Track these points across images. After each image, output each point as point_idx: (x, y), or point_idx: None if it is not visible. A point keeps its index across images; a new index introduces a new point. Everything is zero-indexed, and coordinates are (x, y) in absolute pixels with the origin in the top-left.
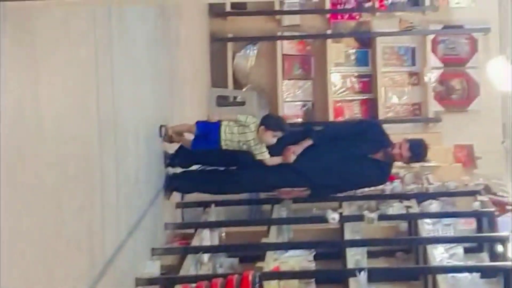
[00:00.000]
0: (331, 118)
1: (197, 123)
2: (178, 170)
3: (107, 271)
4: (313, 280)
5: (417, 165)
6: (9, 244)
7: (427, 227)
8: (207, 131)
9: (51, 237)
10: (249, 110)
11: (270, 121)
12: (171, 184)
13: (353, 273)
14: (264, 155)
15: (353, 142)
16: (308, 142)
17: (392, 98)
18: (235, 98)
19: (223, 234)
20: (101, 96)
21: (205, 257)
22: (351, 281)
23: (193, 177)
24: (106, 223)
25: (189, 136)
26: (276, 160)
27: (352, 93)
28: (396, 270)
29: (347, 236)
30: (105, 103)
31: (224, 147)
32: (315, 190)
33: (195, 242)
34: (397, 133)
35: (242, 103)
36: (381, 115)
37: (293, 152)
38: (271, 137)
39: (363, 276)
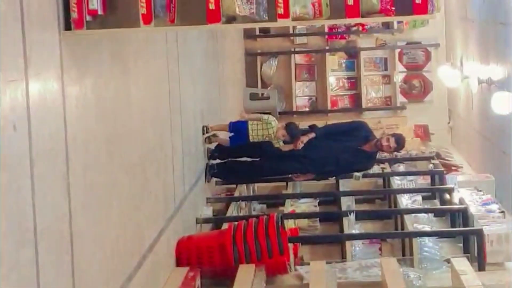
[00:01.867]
0: (328, 107)
1: (230, 123)
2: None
3: (176, 215)
4: (317, 219)
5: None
6: (111, 195)
7: (396, 182)
8: (238, 128)
9: (138, 190)
10: (272, 102)
11: (289, 127)
12: (211, 172)
13: (345, 214)
14: (279, 143)
15: (346, 137)
16: (312, 135)
17: (371, 93)
18: (262, 94)
19: (255, 188)
20: (172, 93)
21: (243, 204)
22: (344, 220)
23: (227, 168)
24: (176, 180)
25: (224, 136)
26: (289, 146)
27: (343, 90)
28: (375, 211)
29: (342, 188)
30: (174, 97)
31: (251, 140)
32: (317, 175)
33: (236, 194)
34: (375, 117)
35: (267, 98)
36: (364, 105)
37: (301, 141)
38: (281, 136)
39: (352, 216)
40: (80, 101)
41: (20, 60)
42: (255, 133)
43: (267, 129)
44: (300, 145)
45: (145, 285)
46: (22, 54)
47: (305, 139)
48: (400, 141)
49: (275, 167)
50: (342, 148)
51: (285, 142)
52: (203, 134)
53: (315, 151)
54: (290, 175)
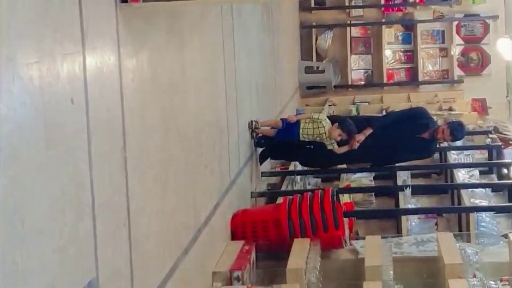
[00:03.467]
0: (384, 80)
1: (282, 119)
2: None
3: (232, 188)
4: (373, 193)
5: (445, 113)
6: (167, 169)
7: (453, 157)
8: (290, 125)
9: (194, 165)
10: (327, 76)
11: (345, 124)
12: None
13: (401, 188)
14: (333, 145)
15: (404, 125)
16: (369, 131)
17: (428, 66)
18: (317, 67)
19: None
20: (227, 66)
21: (298, 178)
22: (400, 194)
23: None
24: (231, 155)
25: (271, 130)
26: (344, 148)
27: (399, 63)
28: (431, 186)
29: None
30: (229, 71)
31: (301, 139)
32: (374, 164)
33: (291, 168)
34: (432, 91)
35: (323, 71)
36: (420, 78)
37: (358, 141)
38: (337, 136)
39: (408, 191)
40: (137, 75)
41: (77, 33)
42: (305, 132)
43: (318, 128)
44: (356, 145)
45: (201, 257)
46: (79, 27)
47: (361, 137)
48: (455, 133)
49: (327, 160)
50: (401, 137)
51: (339, 143)
52: (249, 128)
53: (372, 142)
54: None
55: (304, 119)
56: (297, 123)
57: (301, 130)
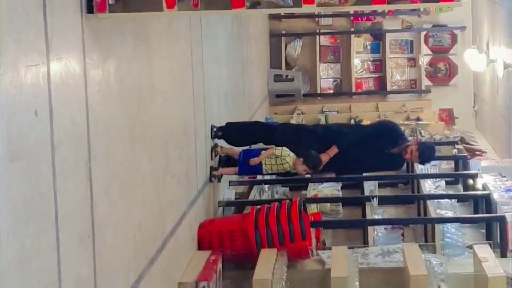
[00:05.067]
0: (353, 89)
1: (241, 152)
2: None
3: (198, 198)
4: (340, 203)
5: (412, 123)
6: (133, 179)
7: (420, 167)
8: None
9: (161, 175)
10: (296, 84)
11: (309, 158)
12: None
13: (368, 198)
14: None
15: (373, 142)
16: (334, 151)
17: (396, 76)
18: (286, 76)
19: None
20: (195, 75)
21: (266, 187)
22: (367, 204)
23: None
24: (198, 164)
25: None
26: (306, 170)
27: (368, 72)
28: (398, 197)
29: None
30: (197, 81)
31: (265, 173)
32: (339, 174)
33: (259, 177)
34: (400, 100)
35: (292, 79)
36: (389, 88)
37: (322, 162)
38: (302, 170)
39: (375, 201)
40: (103, 85)
41: (42, 44)
42: (268, 168)
43: (282, 164)
44: (320, 167)
45: (167, 268)
46: (43, 37)
47: (326, 159)
48: (424, 156)
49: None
50: (368, 153)
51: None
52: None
53: (339, 156)
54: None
55: (266, 158)
56: (259, 166)
57: (264, 166)
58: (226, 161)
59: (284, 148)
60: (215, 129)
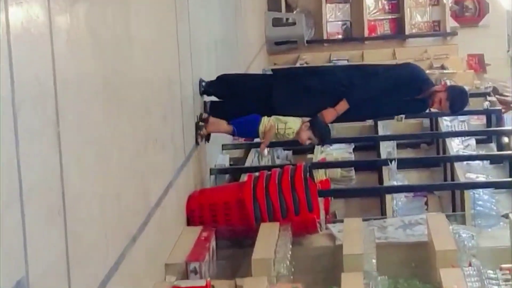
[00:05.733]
0: (365, 34)
1: (233, 127)
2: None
3: (187, 165)
4: (352, 168)
5: (436, 72)
6: (110, 145)
7: (445, 123)
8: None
9: (142, 138)
10: (299, 29)
11: (318, 126)
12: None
13: (385, 162)
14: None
15: (391, 92)
16: (343, 107)
17: (416, 17)
18: (287, 20)
19: None
20: (180, 21)
21: (265, 150)
22: (384, 169)
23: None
24: (185, 125)
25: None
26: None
27: (383, 13)
28: (420, 159)
29: (381, 132)
30: (183, 27)
31: (260, 135)
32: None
33: (257, 139)
34: (421, 46)
35: (293, 24)
36: (408, 31)
37: (326, 119)
38: (306, 138)
39: (393, 164)
40: (71, 35)
41: None
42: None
43: (285, 130)
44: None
45: (151, 247)
46: None
47: (332, 117)
48: (455, 104)
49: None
50: (385, 101)
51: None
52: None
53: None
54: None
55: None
56: (256, 121)
57: (261, 127)
58: (216, 107)
59: (287, 123)
60: (203, 84)
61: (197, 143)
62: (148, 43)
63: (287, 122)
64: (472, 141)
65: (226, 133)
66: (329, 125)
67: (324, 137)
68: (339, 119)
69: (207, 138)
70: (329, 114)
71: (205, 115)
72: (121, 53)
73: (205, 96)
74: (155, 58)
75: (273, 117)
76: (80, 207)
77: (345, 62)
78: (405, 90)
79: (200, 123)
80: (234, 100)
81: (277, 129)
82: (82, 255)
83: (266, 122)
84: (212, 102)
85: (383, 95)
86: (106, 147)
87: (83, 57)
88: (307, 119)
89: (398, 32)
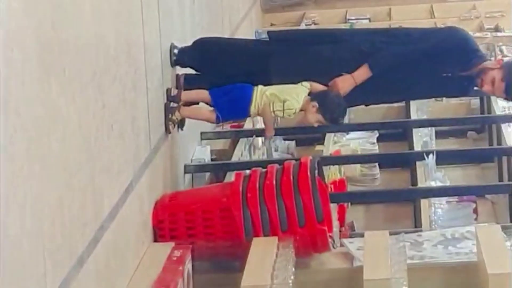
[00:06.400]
0: None
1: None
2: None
3: (153, 160)
4: (376, 164)
5: (489, 35)
6: (48, 133)
7: (501, 104)
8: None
9: (92, 124)
10: None
11: (327, 102)
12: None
13: (420, 156)
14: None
15: (428, 62)
16: (365, 74)
17: None
18: None
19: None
20: None
21: (259, 140)
22: (418, 165)
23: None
24: (151, 107)
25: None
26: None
27: None
28: (467, 152)
29: (414, 115)
30: None
31: (252, 114)
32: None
33: (247, 125)
34: (467, 0)
35: None
36: None
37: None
38: (315, 120)
39: (431, 159)
40: None
41: None
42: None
43: (283, 110)
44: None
45: (104, 272)
46: None
47: (349, 85)
48: (511, 90)
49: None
50: (421, 75)
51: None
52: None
53: (370, 82)
54: None
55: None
56: (247, 95)
57: (252, 108)
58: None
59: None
60: (176, 51)
61: (167, 131)
62: None
63: (286, 100)
64: None
65: (207, 121)
66: (345, 104)
67: (337, 116)
68: (357, 100)
69: (181, 124)
70: (344, 82)
71: (175, 92)
72: (63, 9)
73: (177, 67)
74: (109, 16)
75: (267, 89)
76: (9, 218)
77: (366, 22)
78: (448, 62)
79: (171, 104)
80: (216, 74)
81: (273, 110)
82: (11, 281)
83: (258, 98)
84: (186, 75)
85: (417, 67)
86: (42, 135)
87: (13, 16)
88: (314, 85)
89: None
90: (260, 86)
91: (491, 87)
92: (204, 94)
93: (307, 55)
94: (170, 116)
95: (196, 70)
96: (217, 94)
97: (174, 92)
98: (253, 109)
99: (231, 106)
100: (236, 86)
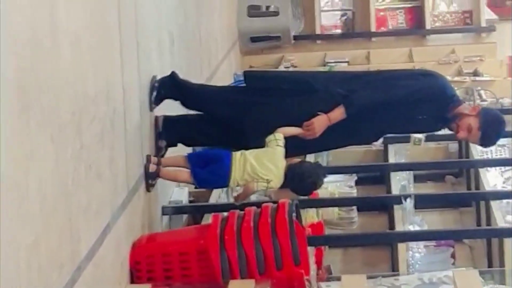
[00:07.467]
0: (373, 28)
1: (188, 155)
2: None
3: (131, 201)
4: (354, 207)
5: (467, 79)
6: (26, 172)
7: (479, 148)
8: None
9: (70, 165)
10: (283, 20)
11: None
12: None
13: (398, 199)
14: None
15: (404, 106)
16: (339, 114)
17: (440, 5)
18: (267, 7)
19: None
20: (123, 7)
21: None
22: (396, 209)
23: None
24: (129, 148)
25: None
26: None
27: (397, 1)
28: (445, 196)
29: (392, 159)
30: (126, 16)
31: (231, 184)
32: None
33: None
34: (447, 44)
35: (276, 13)
36: (429, 25)
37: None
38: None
39: (409, 203)
40: None
41: None
42: (239, 176)
43: (267, 187)
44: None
45: None
46: None
47: (323, 126)
48: (488, 135)
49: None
50: (393, 117)
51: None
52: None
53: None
54: None
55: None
56: (227, 162)
57: (232, 176)
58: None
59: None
60: (156, 84)
61: (148, 190)
62: (80, 34)
63: (269, 180)
64: None
65: (186, 182)
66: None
67: (308, 192)
68: (331, 142)
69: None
70: (320, 122)
71: (153, 168)
72: (42, 48)
73: (156, 109)
74: (88, 56)
75: (247, 159)
76: None
77: (345, 66)
78: (424, 108)
79: (151, 167)
80: (193, 124)
81: (257, 189)
82: None
83: (238, 177)
84: (165, 118)
85: (391, 111)
86: (20, 174)
87: None
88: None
89: (417, 26)
90: (238, 154)
91: (466, 134)
92: (182, 160)
93: (283, 111)
94: (150, 181)
95: (176, 100)
96: (195, 162)
97: (152, 168)
98: (231, 183)
99: (209, 178)
100: (215, 154)
